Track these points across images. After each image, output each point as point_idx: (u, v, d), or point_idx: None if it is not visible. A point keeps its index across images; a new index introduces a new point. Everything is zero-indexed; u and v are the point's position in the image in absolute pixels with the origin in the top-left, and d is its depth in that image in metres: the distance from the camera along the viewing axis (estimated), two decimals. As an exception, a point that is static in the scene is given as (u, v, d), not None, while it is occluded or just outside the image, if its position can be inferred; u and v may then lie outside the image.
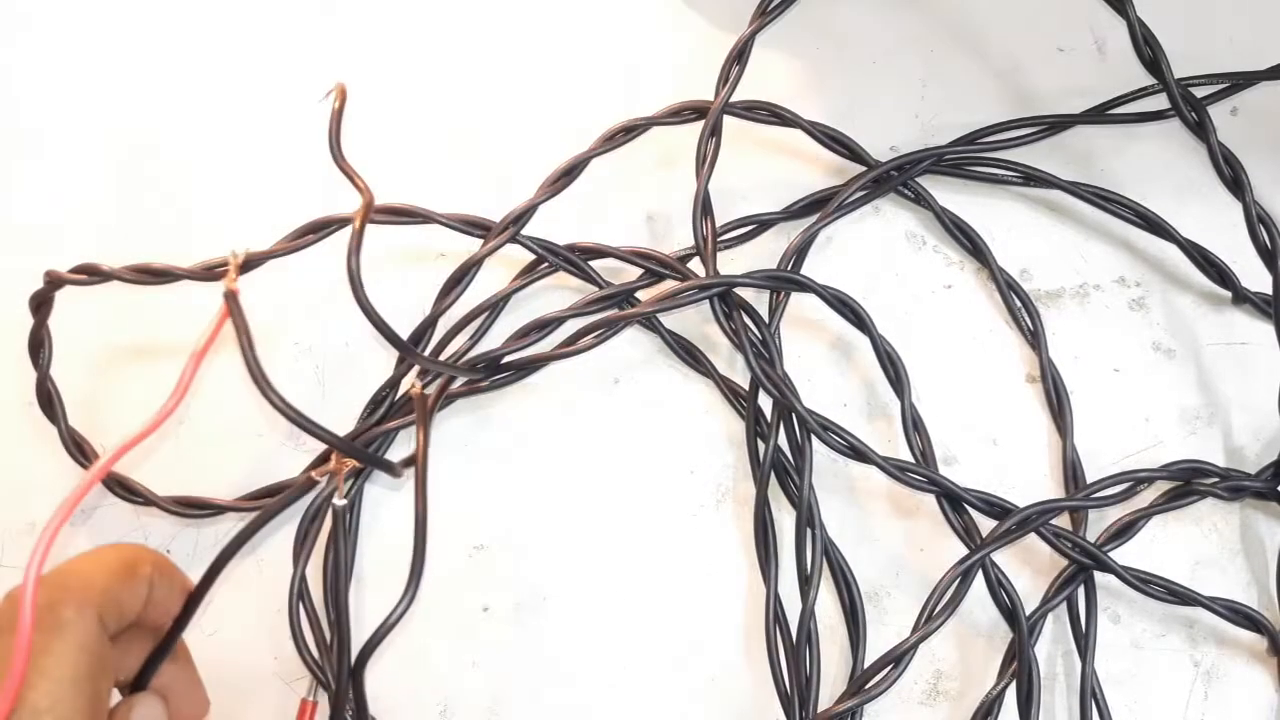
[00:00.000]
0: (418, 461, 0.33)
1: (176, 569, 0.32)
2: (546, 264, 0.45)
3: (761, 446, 0.43)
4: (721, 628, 0.42)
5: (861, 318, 0.43)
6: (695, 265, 0.45)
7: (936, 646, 0.42)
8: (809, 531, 0.42)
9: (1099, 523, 0.43)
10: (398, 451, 0.44)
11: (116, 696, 0.31)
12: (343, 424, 0.44)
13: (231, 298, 0.30)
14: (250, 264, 0.39)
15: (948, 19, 0.51)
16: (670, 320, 0.45)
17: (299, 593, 0.41)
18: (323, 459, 0.42)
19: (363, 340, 0.45)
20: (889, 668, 0.39)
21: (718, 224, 0.45)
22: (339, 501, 0.32)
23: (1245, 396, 0.46)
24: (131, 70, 0.49)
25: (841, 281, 0.44)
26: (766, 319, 0.44)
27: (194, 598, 0.32)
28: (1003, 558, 0.42)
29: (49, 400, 0.41)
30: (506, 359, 0.43)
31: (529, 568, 0.43)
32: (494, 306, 0.45)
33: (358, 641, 0.32)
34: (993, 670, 0.41)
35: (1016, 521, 0.41)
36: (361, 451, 0.36)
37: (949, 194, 0.47)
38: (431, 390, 0.43)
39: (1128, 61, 0.45)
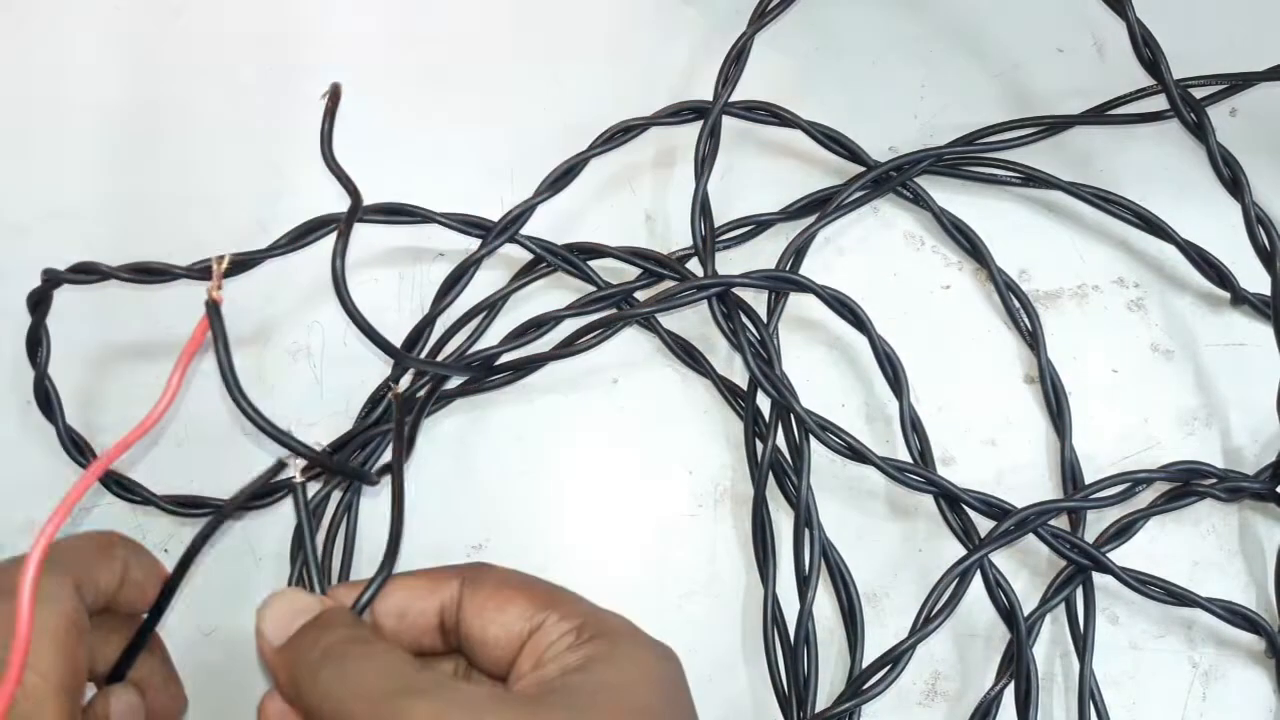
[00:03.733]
0: (395, 466, 0.33)
1: (152, 555, 0.33)
2: (545, 264, 0.45)
3: (760, 447, 0.43)
4: (719, 628, 0.42)
5: (860, 318, 0.43)
6: (694, 265, 0.45)
7: (934, 647, 0.42)
8: (807, 532, 0.42)
9: (1097, 524, 0.43)
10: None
11: (93, 689, 0.31)
12: (341, 424, 0.43)
13: (212, 307, 0.29)
14: (248, 263, 0.39)
15: (947, 19, 0.51)
16: (669, 320, 0.45)
17: (296, 592, 0.41)
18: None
19: (361, 340, 0.45)
20: (887, 668, 0.39)
21: (716, 224, 0.45)
22: (295, 476, 0.32)
23: (1244, 397, 0.45)
24: (130, 66, 0.49)
25: (840, 282, 0.44)
26: (765, 319, 0.44)
27: (170, 585, 0.32)
28: (1001, 558, 0.42)
29: (47, 399, 0.41)
30: (502, 358, 0.43)
31: (527, 568, 0.42)
32: (492, 306, 0.45)
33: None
34: (991, 671, 0.41)
35: (1015, 522, 0.41)
36: (330, 461, 0.36)
37: (948, 194, 0.47)
38: (421, 393, 0.42)
39: (1127, 62, 0.45)
